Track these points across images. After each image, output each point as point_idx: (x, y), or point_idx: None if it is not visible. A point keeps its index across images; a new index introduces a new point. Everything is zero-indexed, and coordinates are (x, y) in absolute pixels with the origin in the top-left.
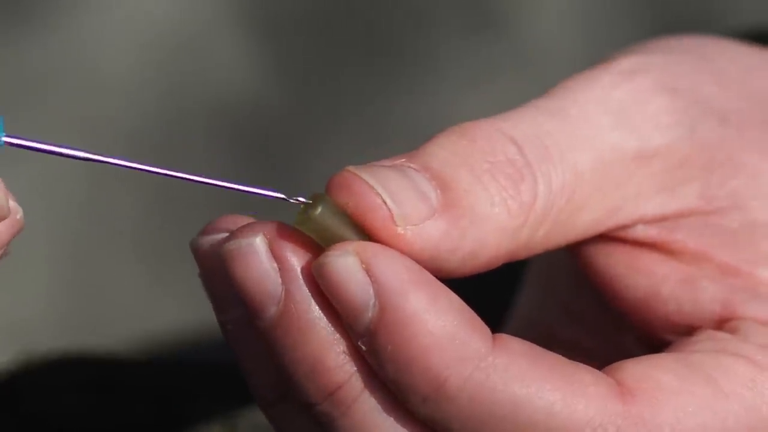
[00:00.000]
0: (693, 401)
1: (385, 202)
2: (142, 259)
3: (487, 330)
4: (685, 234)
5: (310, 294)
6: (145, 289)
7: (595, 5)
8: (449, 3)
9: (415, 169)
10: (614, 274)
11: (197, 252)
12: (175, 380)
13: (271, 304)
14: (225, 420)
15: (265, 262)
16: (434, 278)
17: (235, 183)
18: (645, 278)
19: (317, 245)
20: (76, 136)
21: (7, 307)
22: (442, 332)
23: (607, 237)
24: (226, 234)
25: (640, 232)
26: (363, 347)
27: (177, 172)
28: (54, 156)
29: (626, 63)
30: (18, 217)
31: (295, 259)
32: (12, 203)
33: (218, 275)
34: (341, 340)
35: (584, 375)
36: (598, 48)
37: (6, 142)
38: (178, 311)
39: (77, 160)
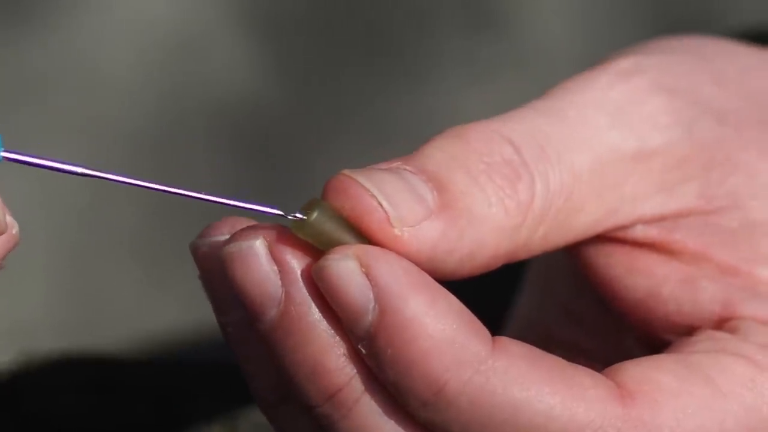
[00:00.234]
0: (692, 402)
1: (381, 205)
2: (141, 259)
3: (486, 333)
4: (685, 234)
5: (310, 296)
6: (145, 290)
7: (596, 5)
8: (450, 3)
9: (411, 171)
10: (614, 275)
11: (197, 254)
12: (175, 380)
13: (271, 306)
14: (225, 420)
15: (265, 264)
16: (434, 281)
17: (232, 199)
18: (645, 279)
19: (317, 248)
20: (76, 136)
21: (7, 308)
22: (441, 336)
23: (606, 238)
24: (226, 236)
25: (640, 232)
26: (363, 350)
27: (173, 188)
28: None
29: (623, 64)
30: (14, 232)
31: (295, 262)
32: (9, 218)
33: (218, 277)
34: (341, 342)
35: (584, 378)
36: (598, 48)
37: (5, 158)
38: (178, 312)
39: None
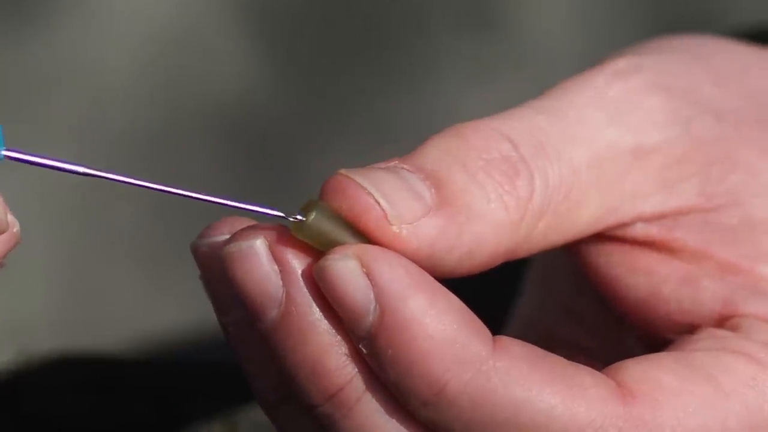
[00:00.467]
0: (693, 401)
1: (378, 203)
2: (141, 259)
3: (487, 333)
4: (685, 232)
5: (310, 296)
6: (145, 290)
7: (595, 5)
8: (449, 3)
9: (408, 169)
10: (614, 274)
11: (197, 254)
12: (174, 380)
13: (272, 306)
14: (225, 419)
15: (265, 264)
16: (435, 281)
17: (232, 200)
18: (645, 278)
19: (317, 249)
20: (76, 135)
21: (6, 308)
22: (442, 336)
23: (606, 237)
24: (227, 236)
25: (640, 230)
26: (364, 350)
27: (174, 188)
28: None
29: (620, 63)
30: (15, 230)
31: (296, 262)
32: (10, 217)
33: (219, 277)
34: (342, 342)
35: (585, 377)
36: (598, 48)
37: (6, 156)
38: (178, 311)
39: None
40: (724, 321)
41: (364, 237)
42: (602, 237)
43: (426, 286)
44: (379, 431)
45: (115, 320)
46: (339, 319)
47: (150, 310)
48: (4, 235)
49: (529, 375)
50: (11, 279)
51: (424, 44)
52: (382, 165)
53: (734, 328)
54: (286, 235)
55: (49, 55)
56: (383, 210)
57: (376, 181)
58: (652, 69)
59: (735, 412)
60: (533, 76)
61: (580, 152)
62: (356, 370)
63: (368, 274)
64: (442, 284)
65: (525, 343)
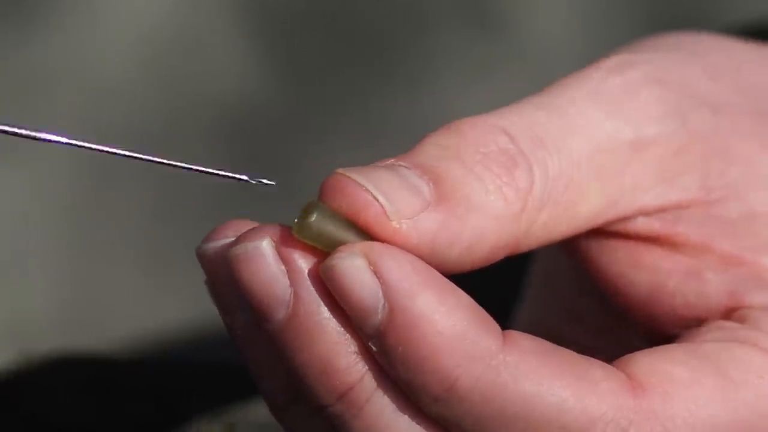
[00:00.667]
0: (704, 392)
1: (376, 199)
2: (141, 259)
3: (497, 327)
4: (687, 226)
5: (318, 296)
6: (145, 289)
7: (594, 5)
8: (447, 2)
9: (405, 166)
10: (618, 271)
11: (203, 258)
12: (174, 380)
13: (280, 306)
14: (224, 419)
15: (272, 264)
16: (443, 277)
17: (197, 165)
18: (649, 274)
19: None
20: (75, 135)
21: (6, 308)
22: (451, 332)
23: (608, 233)
24: (232, 239)
25: (642, 225)
26: (373, 348)
27: (127, 151)
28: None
29: (616, 59)
30: None
31: (303, 261)
32: None
33: (225, 281)
34: (351, 340)
35: (596, 370)
36: (597, 48)
37: None
38: (178, 311)
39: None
40: (730, 313)
41: (366, 235)
42: (604, 233)
43: (434, 282)
44: (391, 429)
45: (115, 320)
46: (347, 317)
47: (150, 310)
48: None
49: (539, 369)
50: (11, 279)
51: (422, 44)
52: (380, 163)
53: (741, 320)
54: (290, 236)
55: (49, 54)
56: (381, 206)
57: (374, 179)
58: (648, 64)
59: (745, 402)
60: (531, 76)
61: (580, 145)
62: (366, 368)
63: (376, 272)
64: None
65: (535, 337)
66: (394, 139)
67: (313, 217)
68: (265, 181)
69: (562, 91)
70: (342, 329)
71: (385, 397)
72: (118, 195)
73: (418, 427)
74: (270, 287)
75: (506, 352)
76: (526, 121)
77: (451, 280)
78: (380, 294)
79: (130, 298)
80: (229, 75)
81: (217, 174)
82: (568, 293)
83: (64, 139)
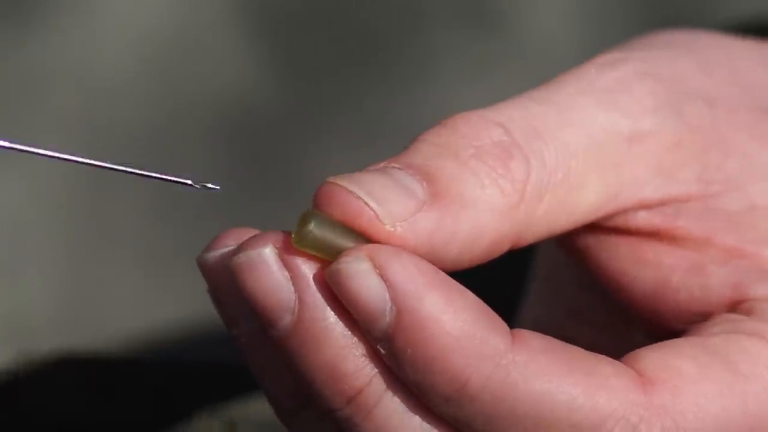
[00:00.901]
0: (713, 386)
1: (368, 205)
2: (140, 259)
3: (505, 326)
4: (687, 220)
5: (323, 300)
6: (145, 289)
7: (592, 3)
8: (445, 1)
9: (398, 168)
10: (621, 268)
11: (204, 267)
12: (174, 380)
13: (285, 313)
14: (224, 419)
15: (276, 271)
16: (449, 277)
17: (146, 171)
18: (652, 270)
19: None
20: (74, 135)
21: (7, 308)
22: (460, 332)
23: (609, 229)
24: (233, 247)
25: (643, 220)
26: (382, 350)
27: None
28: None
29: (610, 56)
30: None
31: (306, 267)
32: None
33: (228, 289)
34: (359, 343)
35: (605, 367)
36: (595, 46)
37: None
38: (178, 311)
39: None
40: (735, 305)
41: (365, 240)
42: (605, 230)
43: (440, 283)
44: (401, 431)
45: (114, 320)
46: (354, 321)
47: (150, 309)
48: None
49: (548, 367)
50: (11, 279)
51: (421, 44)
52: (373, 167)
53: (747, 312)
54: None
55: (48, 54)
56: (374, 211)
57: (365, 184)
58: (641, 60)
59: (755, 394)
60: (529, 75)
61: (577, 137)
62: (375, 371)
63: (382, 275)
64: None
65: (543, 335)
66: (393, 138)
67: (311, 226)
68: (210, 185)
69: (558, 86)
70: (348, 333)
71: (395, 399)
72: (118, 194)
73: (428, 427)
74: (274, 294)
75: (515, 351)
76: (521, 114)
77: (456, 281)
78: (387, 297)
79: (130, 297)
80: (227, 75)
81: (162, 179)
82: (570, 291)
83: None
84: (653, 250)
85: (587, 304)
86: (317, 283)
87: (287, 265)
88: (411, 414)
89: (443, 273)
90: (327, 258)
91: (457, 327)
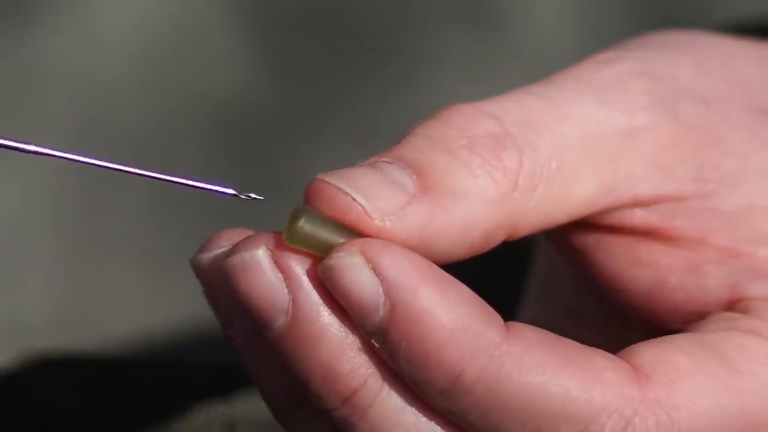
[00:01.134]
0: (708, 382)
1: (355, 200)
2: (141, 258)
3: (499, 319)
4: (683, 220)
5: (317, 301)
6: (145, 289)
7: (591, 3)
8: (443, 0)
9: (388, 162)
10: (617, 269)
11: (198, 268)
12: (174, 380)
13: (279, 314)
14: (224, 419)
15: (269, 273)
16: (442, 270)
17: (187, 179)
18: (649, 270)
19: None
20: (73, 135)
21: (6, 308)
22: (454, 325)
23: (605, 229)
24: (226, 248)
25: (639, 218)
26: (376, 345)
27: (117, 164)
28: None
29: (607, 54)
30: None
31: (299, 268)
32: None
33: (222, 291)
34: (354, 342)
35: (600, 360)
36: (593, 46)
37: None
38: (177, 311)
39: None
40: (732, 305)
41: (357, 235)
42: (601, 229)
43: (434, 276)
44: (396, 428)
45: (114, 319)
46: (348, 317)
47: (150, 309)
48: None
49: (543, 360)
50: (11, 279)
51: (418, 43)
52: (363, 162)
53: (744, 311)
54: (284, 242)
55: (46, 54)
56: (362, 206)
57: (353, 180)
58: (637, 59)
59: (750, 390)
60: (527, 74)
61: (572, 130)
62: (370, 371)
63: (374, 269)
64: (450, 274)
65: (538, 328)
66: (389, 137)
67: (301, 222)
68: (253, 195)
69: (554, 82)
70: (343, 333)
71: (390, 398)
72: (117, 194)
73: (424, 421)
74: (268, 296)
75: (510, 344)
76: (517, 106)
77: (455, 278)
78: (380, 291)
79: (130, 297)
80: (223, 74)
81: (205, 188)
82: (567, 291)
83: (50, 151)
84: (650, 251)
85: (585, 305)
86: (310, 280)
87: (280, 267)
88: (406, 410)
89: (436, 266)
90: (319, 254)
91: (452, 320)
